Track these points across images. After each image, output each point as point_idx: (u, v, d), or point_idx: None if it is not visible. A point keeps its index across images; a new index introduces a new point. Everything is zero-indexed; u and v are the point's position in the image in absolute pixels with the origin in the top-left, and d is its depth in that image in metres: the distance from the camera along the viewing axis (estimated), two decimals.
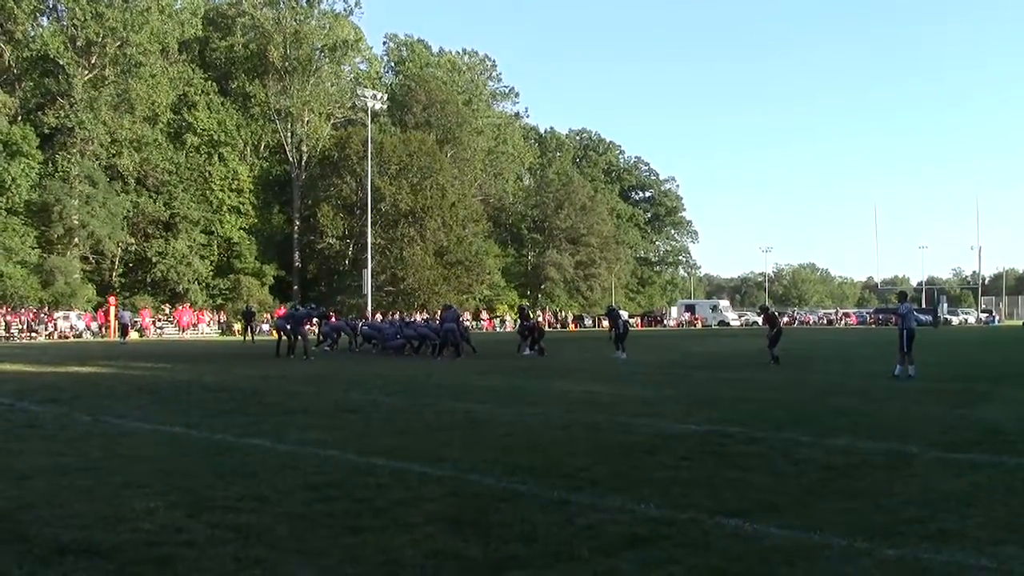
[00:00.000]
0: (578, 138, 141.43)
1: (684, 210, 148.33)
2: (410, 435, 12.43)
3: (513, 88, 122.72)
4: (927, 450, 11.04)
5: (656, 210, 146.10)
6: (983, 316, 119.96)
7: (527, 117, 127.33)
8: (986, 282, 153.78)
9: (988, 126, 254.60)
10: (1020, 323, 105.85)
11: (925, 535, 6.86)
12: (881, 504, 7.96)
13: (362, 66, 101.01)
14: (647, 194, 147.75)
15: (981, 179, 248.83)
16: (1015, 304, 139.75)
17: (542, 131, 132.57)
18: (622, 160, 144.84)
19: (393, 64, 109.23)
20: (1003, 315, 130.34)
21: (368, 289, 70.32)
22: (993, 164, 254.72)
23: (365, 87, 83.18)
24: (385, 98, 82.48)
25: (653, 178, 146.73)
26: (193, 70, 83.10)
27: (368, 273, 73.65)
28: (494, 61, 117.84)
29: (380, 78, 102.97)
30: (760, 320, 34.55)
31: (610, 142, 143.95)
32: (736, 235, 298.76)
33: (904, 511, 7.66)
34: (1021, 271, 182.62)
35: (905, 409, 15.73)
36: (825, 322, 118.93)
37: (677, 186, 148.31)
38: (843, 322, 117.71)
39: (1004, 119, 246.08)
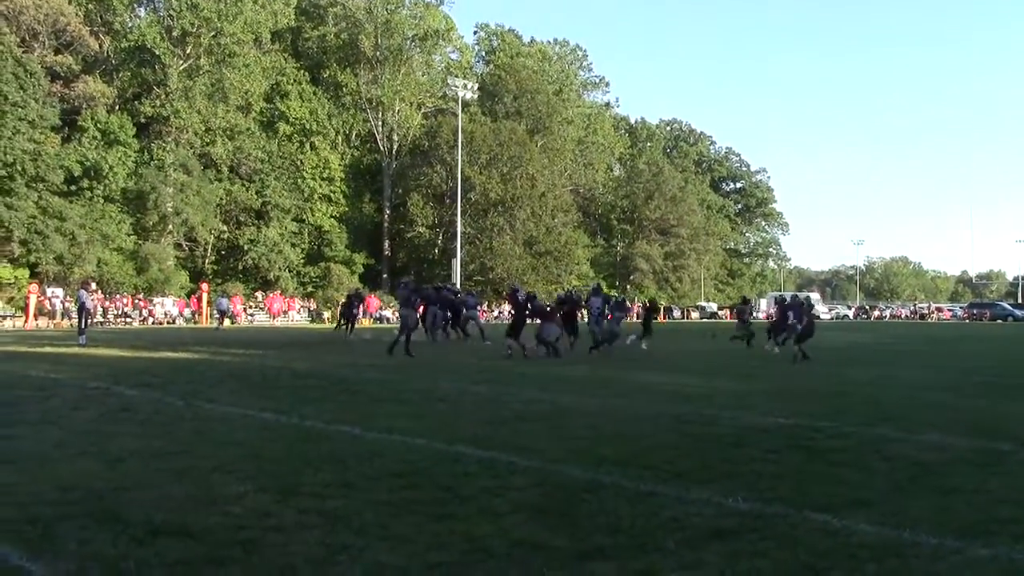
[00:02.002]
0: (668, 128, 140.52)
1: (775, 202, 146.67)
2: (497, 424, 12.41)
3: (604, 78, 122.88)
4: (1021, 448, 10.83)
5: (747, 201, 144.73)
6: None
7: (617, 107, 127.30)
8: None
9: None
10: None
11: (1020, 534, 6.69)
12: (973, 502, 7.81)
13: (453, 55, 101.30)
14: (737, 185, 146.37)
15: None
16: None
17: (632, 121, 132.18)
18: (712, 151, 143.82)
19: (484, 54, 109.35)
20: None
21: (457, 278, 70.56)
22: None
23: (456, 76, 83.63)
24: (476, 87, 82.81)
25: (744, 169, 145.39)
26: (285, 59, 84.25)
27: (457, 262, 74.00)
28: (585, 51, 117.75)
29: (471, 67, 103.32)
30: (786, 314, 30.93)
31: (700, 132, 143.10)
32: (828, 227, 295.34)
33: (998, 510, 7.49)
34: None
35: (997, 406, 15.44)
36: (917, 316, 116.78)
37: (768, 177, 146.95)
38: (935, 316, 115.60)
39: None
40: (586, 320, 31.63)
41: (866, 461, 9.77)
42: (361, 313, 50.07)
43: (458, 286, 58.16)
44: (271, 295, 74.47)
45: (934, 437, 11.49)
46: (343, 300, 49.88)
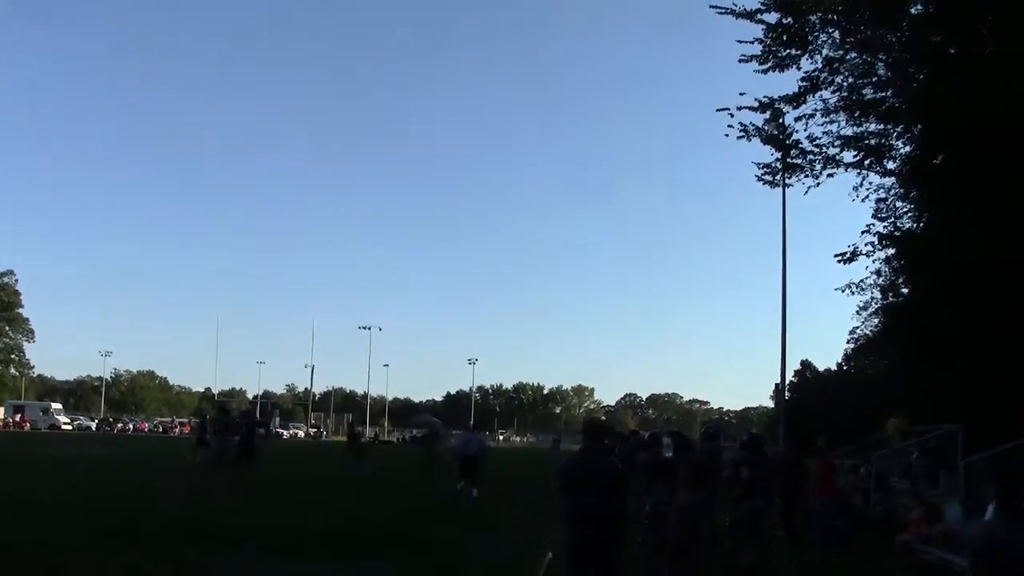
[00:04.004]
0: None
1: (22, 306, 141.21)
2: None
3: None
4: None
5: None
6: (312, 431, 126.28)
7: None
8: (317, 399, 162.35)
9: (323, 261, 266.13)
10: (343, 438, 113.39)
11: None
12: None
13: None
14: None
15: (315, 305, 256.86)
16: (341, 420, 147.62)
17: None
18: None
19: None
20: (330, 430, 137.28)
21: None
22: (325, 296, 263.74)
23: None
24: None
25: None
26: None
27: None
28: None
29: None
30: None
31: None
32: (77, 336, 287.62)
33: None
34: (348, 390, 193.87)
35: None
36: (161, 431, 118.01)
37: (16, 281, 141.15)
38: (178, 431, 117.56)
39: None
40: None
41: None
42: None
43: None
44: None
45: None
46: None
